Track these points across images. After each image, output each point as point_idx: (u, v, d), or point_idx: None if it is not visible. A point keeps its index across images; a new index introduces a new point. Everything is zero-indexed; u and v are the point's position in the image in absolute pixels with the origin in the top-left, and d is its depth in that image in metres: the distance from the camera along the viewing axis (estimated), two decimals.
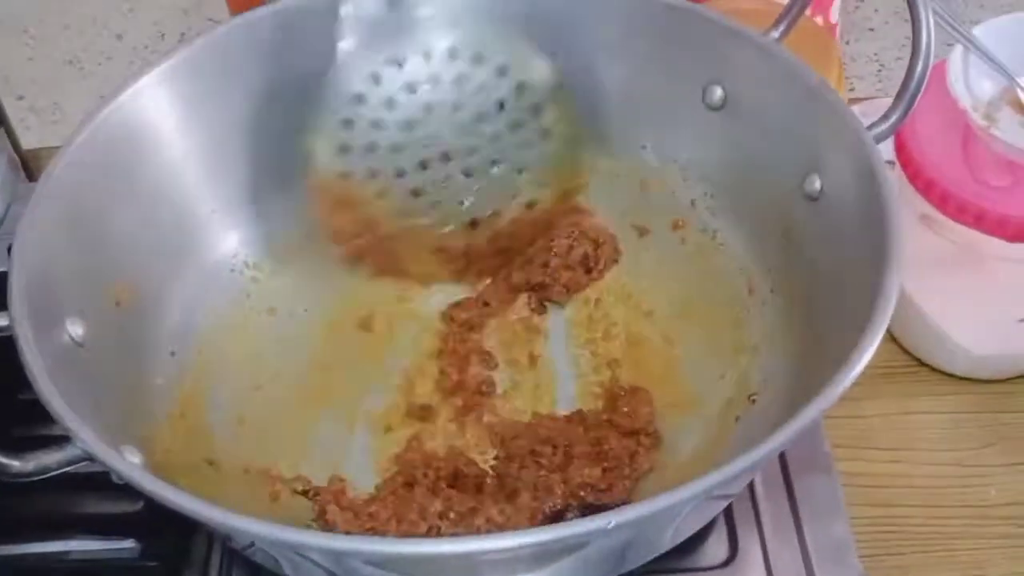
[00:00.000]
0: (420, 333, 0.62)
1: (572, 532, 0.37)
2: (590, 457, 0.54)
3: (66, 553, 0.53)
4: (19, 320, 0.45)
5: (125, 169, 0.55)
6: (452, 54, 0.61)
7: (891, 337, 0.67)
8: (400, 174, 0.62)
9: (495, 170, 0.62)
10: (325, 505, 0.52)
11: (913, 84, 0.50)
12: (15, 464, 0.42)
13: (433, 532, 0.50)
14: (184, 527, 0.54)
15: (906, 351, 0.66)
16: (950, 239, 0.61)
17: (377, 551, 0.39)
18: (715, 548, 0.53)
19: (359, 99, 0.60)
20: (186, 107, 0.57)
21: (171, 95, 0.57)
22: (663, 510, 0.38)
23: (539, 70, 0.61)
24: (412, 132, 0.61)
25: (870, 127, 0.51)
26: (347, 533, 0.50)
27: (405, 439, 0.58)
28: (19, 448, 0.42)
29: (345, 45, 0.60)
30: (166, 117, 0.57)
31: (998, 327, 0.63)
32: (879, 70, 1.59)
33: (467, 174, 0.62)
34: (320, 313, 0.62)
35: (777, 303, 0.56)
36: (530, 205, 0.63)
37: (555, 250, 0.61)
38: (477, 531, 0.50)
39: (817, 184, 0.53)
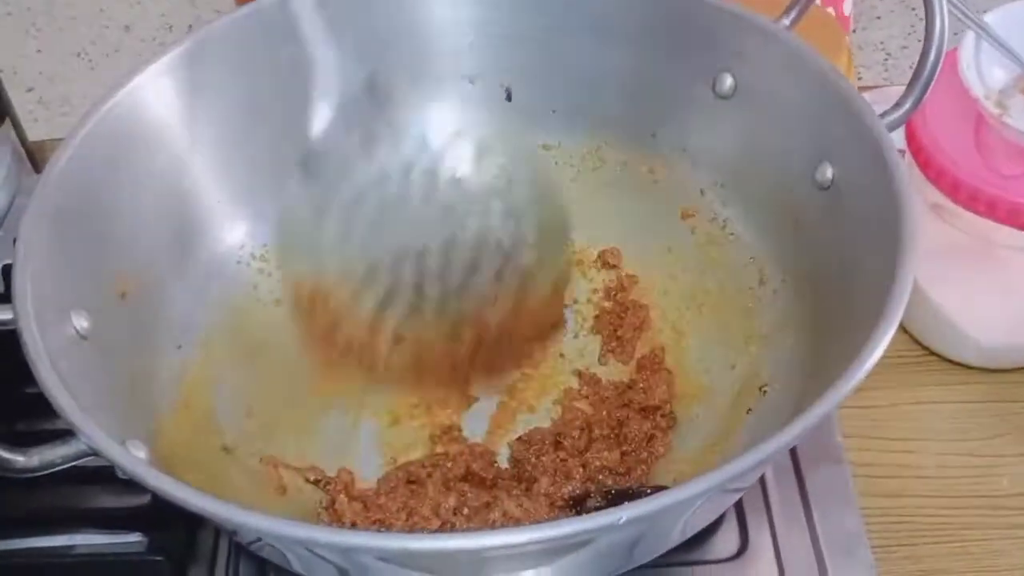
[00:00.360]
0: None
1: (583, 528, 0.37)
2: (608, 440, 0.54)
3: (72, 547, 0.53)
4: (23, 313, 0.45)
5: (130, 160, 0.55)
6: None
7: (901, 327, 0.66)
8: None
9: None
10: (335, 495, 0.52)
11: (926, 72, 0.50)
12: (19, 459, 0.42)
13: (447, 527, 0.49)
14: (191, 521, 0.54)
15: (916, 340, 0.66)
16: (961, 228, 0.61)
17: (386, 547, 0.39)
18: (725, 540, 0.53)
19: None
20: (192, 97, 0.57)
21: (176, 85, 0.56)
22: (675, 504, 0.38)
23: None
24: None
25: (882, 115, 0.50)
26: (355, 527, 0.50)
27: (413, 431, 0.57)
28: (24, 443, 0.42)
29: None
30: (171, 108, 0.56)
31: (1010, 317, 0.63)
32: (886, 59, 1.58)
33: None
34: None
35: (788, 293, 0.55)
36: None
37: None
38: (492, 525, 0.49)
39: (829, 173, 0.52)
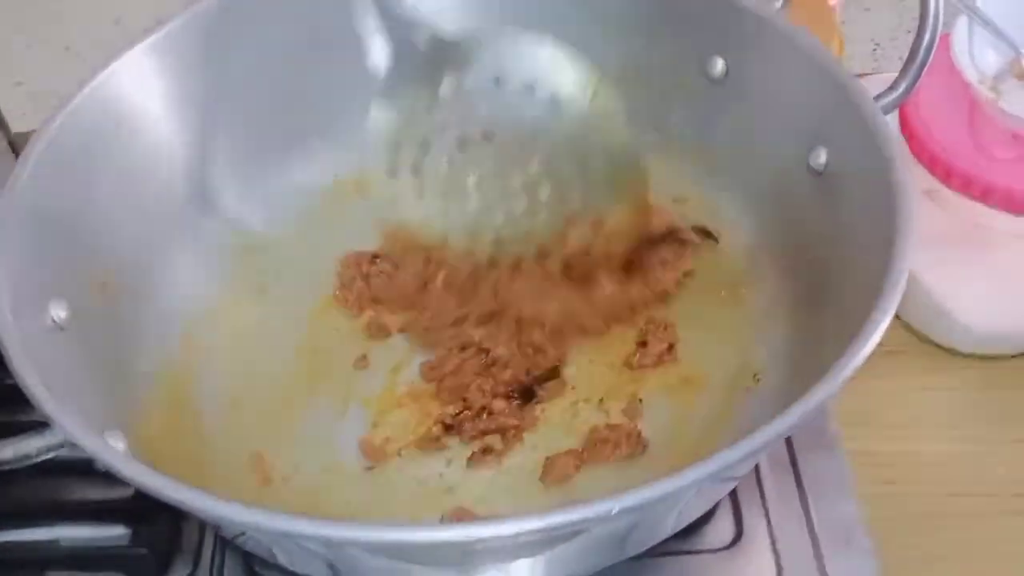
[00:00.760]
0: None
1: (574, 518, 0.36)
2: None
3: (54, 541, 0.52)
4: None
5: (109, 148, 0.54)
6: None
7: (895, 314, 0.66)
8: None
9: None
10: None
11: (921, 53, 0.49)
12: None
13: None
14: (175, 513, 0.53)
15: (910, 328, 0.65)
16: (955, 214, 0.60)
17: (374, 539, 0.38)
18: (720, 529, 0.52)
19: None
20: (172, 84, 0.56)
21: (155, 72, 0.56)
22: (668, 494, 0.37)
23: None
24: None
25: (876, 98, 0.49)
26: (343, 519, 0.49)
27: (402, 421, 0.56)
28: None
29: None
30: (150, 94, 0.56)
31: (1004, 303, 0.62)
32: (874, 49, 1.58)
33: None
34: (312, 293, 0.60)
35: (781, 280, 0.55)
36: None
37: None
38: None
39: (823, 158, 0.51)
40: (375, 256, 0.61)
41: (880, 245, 0.44)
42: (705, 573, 0.51)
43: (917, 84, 0.50)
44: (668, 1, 0.57)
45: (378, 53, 0.55)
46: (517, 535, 0.36)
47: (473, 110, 0.55)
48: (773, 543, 0.52)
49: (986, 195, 0.57)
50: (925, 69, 0.50)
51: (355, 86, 0.56)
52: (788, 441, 0.56)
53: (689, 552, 0.51)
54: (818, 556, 0.52)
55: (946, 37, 0.59)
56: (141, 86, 0.55)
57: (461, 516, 0.51)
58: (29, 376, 0.41)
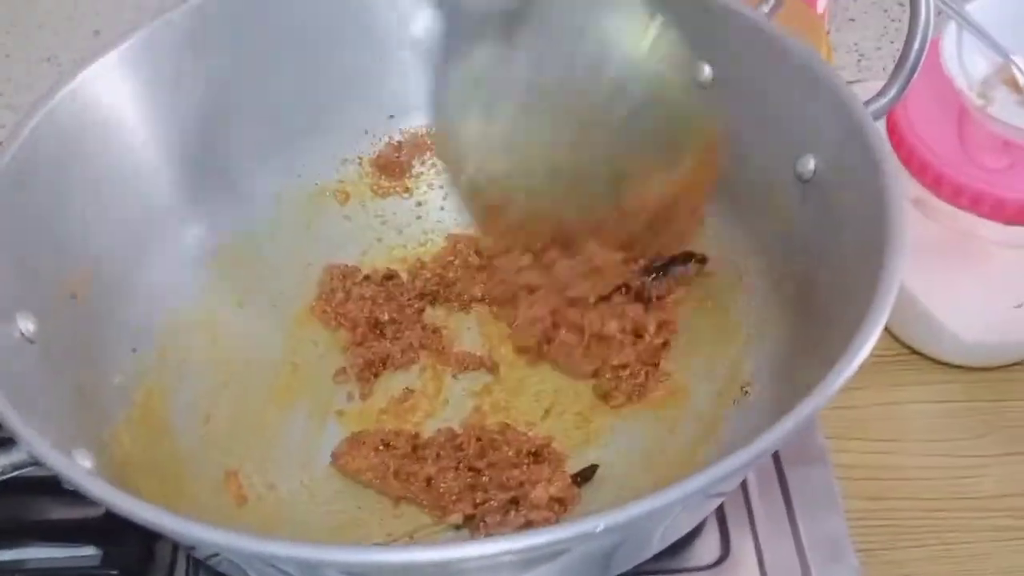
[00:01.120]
0: None
1: (558, 537, 0.35)
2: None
3: (23, 562, 0.51)
4: None
5: (81, 155, 0.53)
6: None
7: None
8: None
9: None
10: None
11: (911, 58, 0.49)
12: None
13: None
14: (147, 534, 0.52)
15: (897, 339, 0.65)
16: (944, 223, 0.60)
17: (352, 560, 0.37)
18: (707, 547, 0.52)
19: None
20: (147, 91, 0.55)
21: (130, 78, 0.55)
22: (653, 511, 0.36)
23: None
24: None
25: (865, 104, 0.49)
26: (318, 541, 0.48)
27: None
28: None
29: None
30: (125, 101, 0.55)
31: (993, 314, 0.61)
32: (859, 59, 1.58)
33: None
34: (291, 305, 0.59)
35: (768, 290, 0.54)
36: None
37: None
38: None
39: (811, 165, 0.51)
40: (366, 277, 0.60)
41: (870, 255, 0.44)
42: None
43: (907, 89, 0.49)
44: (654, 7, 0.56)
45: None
46: (498, 555, 0.36)
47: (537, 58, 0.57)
48: (760, 560, 0.51)
49: (976, 204, 0.56)
50: (916, 74, 0.49)
51: (336, 90, 0.56)
52: (776, 455, 0.55)
53: (676, 571, 0.51)
54: (806, 572, 0.51)
55: (935, 43, 0.58)
56: (116, 91, 0.54)
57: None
58: None
